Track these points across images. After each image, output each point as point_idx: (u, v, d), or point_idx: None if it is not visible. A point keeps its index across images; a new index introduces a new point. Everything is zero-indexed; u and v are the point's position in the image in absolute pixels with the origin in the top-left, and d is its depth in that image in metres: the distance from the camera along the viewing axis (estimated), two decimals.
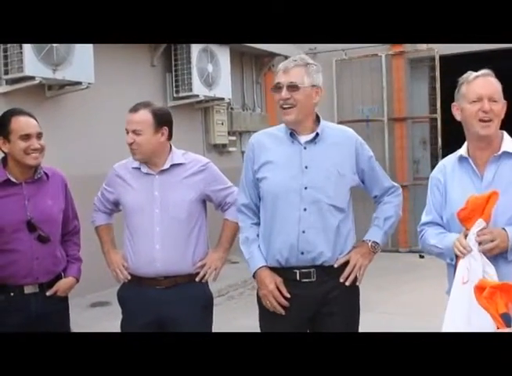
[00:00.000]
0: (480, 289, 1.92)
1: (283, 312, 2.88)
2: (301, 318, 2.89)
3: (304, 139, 2.91)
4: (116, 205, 3.39)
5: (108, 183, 3.36)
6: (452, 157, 2.81)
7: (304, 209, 2.84)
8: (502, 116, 2.67)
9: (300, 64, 2.86)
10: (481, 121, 2.61)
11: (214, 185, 3.28)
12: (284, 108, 2.86)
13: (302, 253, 2.85)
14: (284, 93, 2.83)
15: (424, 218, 2.88)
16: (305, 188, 2.85)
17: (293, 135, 2.91)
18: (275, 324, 2.91)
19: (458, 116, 2.73)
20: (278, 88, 2.85)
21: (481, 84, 2.63)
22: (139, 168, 3.21)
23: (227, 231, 3.35)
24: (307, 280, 2.87)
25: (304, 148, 2.90)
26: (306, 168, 2.87)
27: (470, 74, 2.68)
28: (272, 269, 2.92)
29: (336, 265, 2.89)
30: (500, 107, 2.64)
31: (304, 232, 2.84)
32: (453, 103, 2.74)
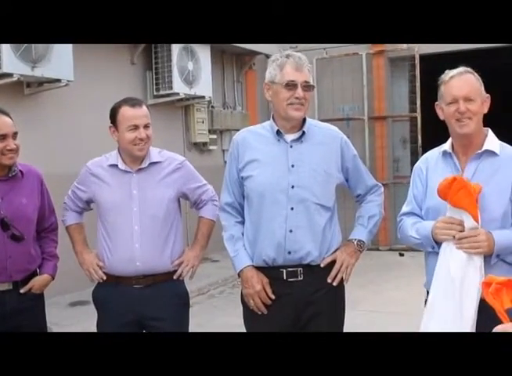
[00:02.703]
0: (487, 285, 1.96)
1: (265, 311, 2.86)
2: (288, 317, 2.85)
3: (290, 137, 2.88)
4: (88, 204, 3.34)
5: (80, 182, 3.28)
6: (436, 151, 2.81)
7: (291, 208, 2.82)
8: (485, 111, 2.66)
9: (306, 63, 2.85)
10: (458, 120, 2.60)
11: (190, 183, 3.27)
12: (296, 105, 2.81)
13: (289, 252, 2.82)
14: (301, 91, 2.80)
15: (404, 208, 2.88)
16: (292, 187, 2.82)
17: (279, 133, 2.89)
18: (261, 324, 2.88)
19: (441, 115, 2.73)
20: (292, 85, 2.80)
21: (455, 85, 2.61)
22: (116, 165, 3.17)
23: (203, 229, 3.35)
24: (294, 279, 2.84)
25: (291, 146, 2.87)
26: (292, 166, 2.84)
27: (447, 74, 2.67)
28: (259, 268, 2.89)
29: (322, 265, 2.86)
30: (478, 105, 2.61)
31: (291, 231, 2.81)
32: (436, 103, 2.74)
